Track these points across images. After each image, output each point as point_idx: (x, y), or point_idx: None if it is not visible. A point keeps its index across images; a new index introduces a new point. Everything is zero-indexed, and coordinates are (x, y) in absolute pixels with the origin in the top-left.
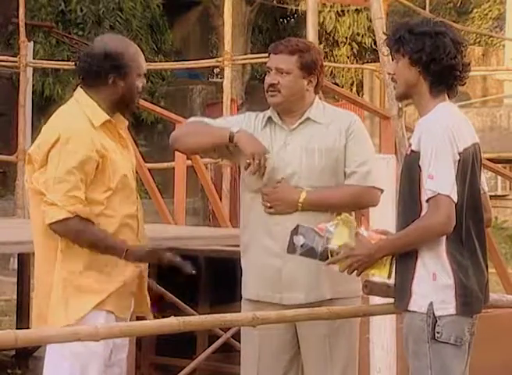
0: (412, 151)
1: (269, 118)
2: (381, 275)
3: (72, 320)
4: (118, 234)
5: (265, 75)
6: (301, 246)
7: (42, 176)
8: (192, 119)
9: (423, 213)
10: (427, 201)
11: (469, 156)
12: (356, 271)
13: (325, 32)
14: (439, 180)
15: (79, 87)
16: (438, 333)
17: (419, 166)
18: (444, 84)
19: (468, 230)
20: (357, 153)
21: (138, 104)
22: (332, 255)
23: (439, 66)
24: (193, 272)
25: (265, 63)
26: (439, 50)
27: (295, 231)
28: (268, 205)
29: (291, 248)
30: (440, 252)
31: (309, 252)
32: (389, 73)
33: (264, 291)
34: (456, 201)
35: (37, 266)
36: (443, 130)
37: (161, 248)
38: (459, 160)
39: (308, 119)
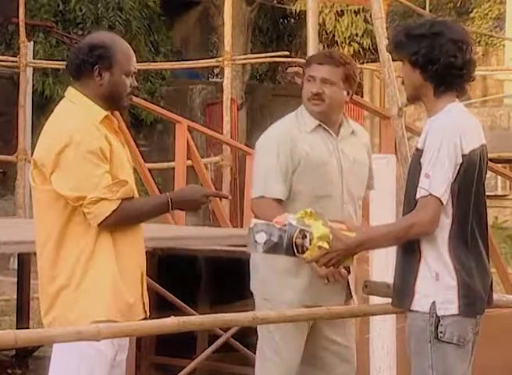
0: (417, 149)
1: (318, 125)
2: (347, 263)
3: (90, 312)
4: (126, 232)
5: (262, 78)
6: (264, 243)
7: (68, 183)
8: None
9: None
10: (418, 199)
11: (476, 158)
12: (333, 266)
13: (325, 32)
14: (434, 181)
15: (69, 87)
16: (441, 332)
17: (420, 164)
18: (445, 84)
19: (473, 232)
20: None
21: (132, 103)
22: (297, 249)
23: (436, 66)
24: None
25: (265, 63)
26: (434, 51)
27: (255, 229)
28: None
29: (253, 247)
30: (443, 253)
31: (273, 248)
32: (398, 76)
33: (314, 297)
34: (445, 204)
35: (48, 264)
36: (450, 132)
37: (202, 195)
38: (461, 163)
39: (353, 131)
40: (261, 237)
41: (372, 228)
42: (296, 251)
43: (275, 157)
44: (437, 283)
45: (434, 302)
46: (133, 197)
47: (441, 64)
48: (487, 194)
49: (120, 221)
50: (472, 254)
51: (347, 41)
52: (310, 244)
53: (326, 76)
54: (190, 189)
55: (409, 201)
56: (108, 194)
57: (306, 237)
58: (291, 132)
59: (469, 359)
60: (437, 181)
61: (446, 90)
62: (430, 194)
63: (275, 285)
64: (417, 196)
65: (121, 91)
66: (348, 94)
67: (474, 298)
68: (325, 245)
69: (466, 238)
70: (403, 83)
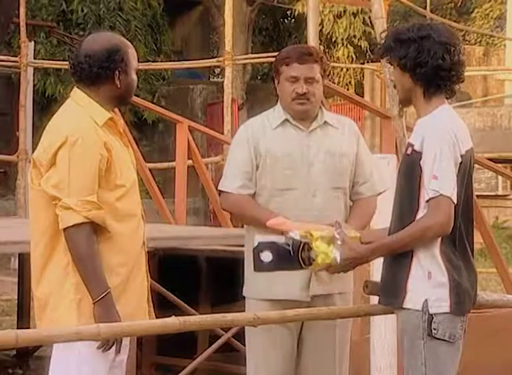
0: (414, 151)
1: (284, 120)
2: (325, 262)
3: (83, 322)
4: (130, 236)
5: (263, 78)
6: (270, 262)
7: (52, 179)
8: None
9: (419, 212)
10: (427, 201)
11: (468, 159)
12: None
13: (323, 33)
14: (443, 181)
15: (75, 88)
16: (434, 329)
17: (420, 167)
18: (435, 86)
19: (461, 232)
20: (368, 163)
21: (133, 103)
22: (305, 263)
23: (424, 69)
24: None
25: (265, 63)
26: (422, 54)
27: (259, 249)
28: None
29: (260, 266)
30: (435, 252)
31: (280, 266)
32: (391, 80)
33: (292, 290)
34: (456, 202)
35: (37, 267)
36: (447, 133)
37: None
38: (460, 162)
39: (325, 122)
40: (267, 256)
41: (384, 233)
42: (303, 263)
43: (240, 153)
44: (429, 282)
45: (426, 300)
46: (102, 224)
47: (429, 67)
48: (488, 194)
49: (79, 241)
50: (460, 253)
51: (345, 43)
52: (316, 256)
53: (310, 75)
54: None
55: (401, 203)
56: (78, 207)
57: (311, 249)
58: (257, 129)
59: (459, 357)
60: (446, 181)
61: (435, 92)
62: (441, 195)
63: (259, 283)
64: (426, 198)
65: (134, 89)
66: (324, 86)
67: (463, 297)
68: (330, 251)
69: (454, 238)
70: (395, 86)
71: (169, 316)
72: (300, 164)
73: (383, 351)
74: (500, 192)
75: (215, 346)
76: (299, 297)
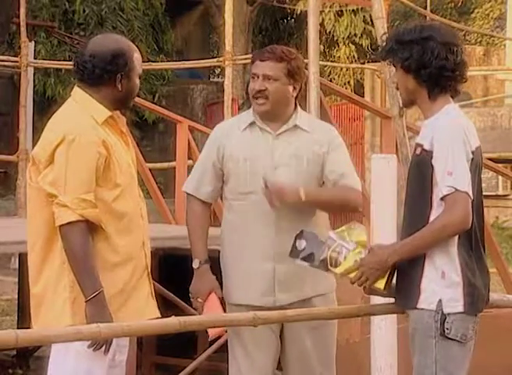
0: (424, 150)
1: (252, 122)
2: (376, 286)
3: (77, 320)
4: (127, 234)
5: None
6: (302, 251)
7: (49, 177)
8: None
9: (433, 212)
10: (442, 198)
11: (479, 156)
12: (367, 282)
13: (325, 32)
14: (458, 177)
15: (76, 87)
16: (447, 329)
17: (431, 165)
18: (439, 86)
19: (475, 230)
20: (338, 163)
21: (134, 103)
22: (331, 263)
23: (429, 69)
24: None
25: None
26: (426, 55)
27: (299, 235)
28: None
29: (293, 252)
30: (451, 251)
31: (308, 258)
32: (394, 82)
33: (254, 295)
34: (472, 197)
35: (35, 265)
36: (457, 130)
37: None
38: (472, 159)
39: (295, 126)
40: (300, 245)
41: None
42: (329, 264)
43: (204, 154)
44: (443, 282)
45: (440, 300)
46: (97, 222)
47: (433, 67)
48: (488, 194)
49: (74, 239)
50: (474, 253)
51: (346, 42)
52: (344, 259)
53: (268, 72)
54: (103, 316)
55: (413, 204)
56: (73, 205)
57: (342, 252)
58: (225, 131)
59: (470, 357)
60: (460, 177)
61: (440, 92)
62: (457, 190)
63: (227, 286)
64: (441, 195)
65: (135, 94)
66: (295, 89)
67: (477, 297)
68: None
69: (470, 236)
70: (397, 88)
71: (169, 316)
72: (264, 167)
73: (383, 351)
74: (501, 192)
75: (214, 346)
76: (260, 303)
